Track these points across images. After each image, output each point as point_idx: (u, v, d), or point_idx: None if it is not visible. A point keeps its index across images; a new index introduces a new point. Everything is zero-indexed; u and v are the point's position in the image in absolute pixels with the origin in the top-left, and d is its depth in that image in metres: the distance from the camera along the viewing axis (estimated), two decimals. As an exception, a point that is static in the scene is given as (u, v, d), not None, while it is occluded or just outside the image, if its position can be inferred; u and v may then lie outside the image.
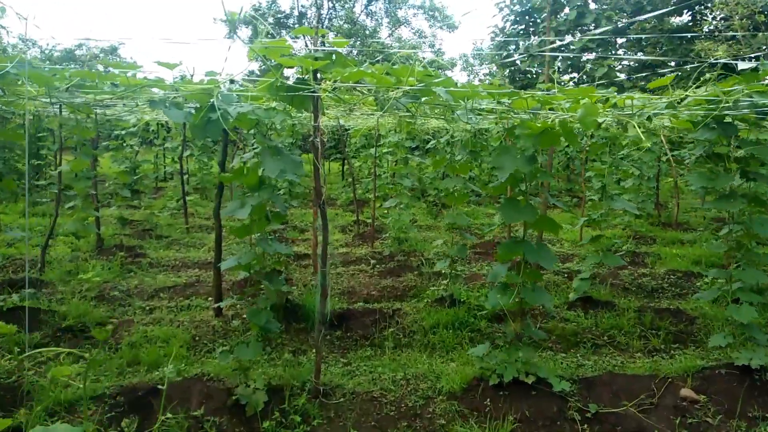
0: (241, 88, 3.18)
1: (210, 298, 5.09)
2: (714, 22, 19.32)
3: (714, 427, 3.11)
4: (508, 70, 23.41)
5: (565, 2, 21.36)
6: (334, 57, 2.69)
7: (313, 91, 2.83)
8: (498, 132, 7.26)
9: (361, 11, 35.04)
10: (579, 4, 20.85)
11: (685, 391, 3.41)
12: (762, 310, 4.63)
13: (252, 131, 4.72)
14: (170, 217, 9.53)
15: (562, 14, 21.70)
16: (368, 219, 8.77)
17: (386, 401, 3.38)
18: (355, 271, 6.39)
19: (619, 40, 21.66)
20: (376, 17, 36.11)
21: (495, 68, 27.28)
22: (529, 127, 3.07)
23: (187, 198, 9.32)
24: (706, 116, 3.09)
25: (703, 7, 19.76)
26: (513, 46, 23.15)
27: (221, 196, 4.65)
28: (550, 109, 3.06)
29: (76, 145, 5.74)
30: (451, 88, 2.72)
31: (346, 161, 13.47)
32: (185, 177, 10.26)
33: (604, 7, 21.24)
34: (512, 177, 3.18)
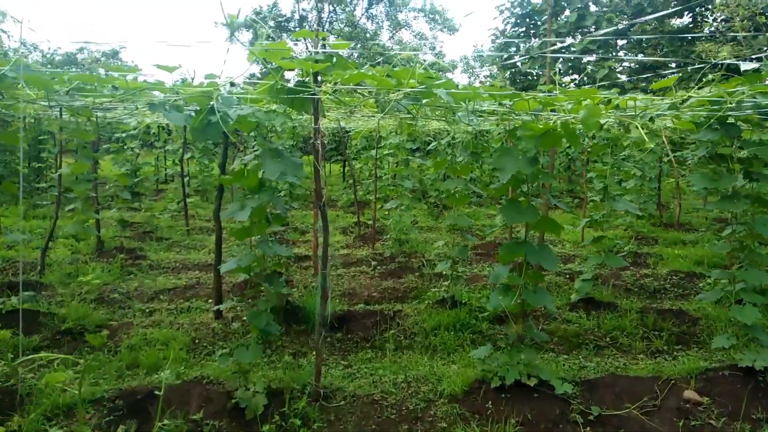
0: (242, 91, 3.18)
1: (210, 301, 5.08)
2: (715, 24, 19.33)
3: (718, 430, 3.08)
4: (508, 72, 23.40)
5: (565, 5, 21.37)
6: (334, 59, 2.68)
7: (314, 94, 2.82)
8: (499, 133, 7.24)
9: (362, 14, 35.13)
10: (580, 6, 20.85)
11: (689, 393, 3.39)
12: (765, 311, 4.59)
13: (252, 133, 4.72)
14: (171, 220, 9.52)
15: (563, 17, 21.70)
16: (369, 220, 8.75)
17: (387, 404, 3.36)
18: (355, 272, 6.37)
19: (620, 42, 21.66)
20: (377, 20, 36.22)
21: (496, 70, 27.30)
22: (531, 128, 3.05)
23: (188, 200, 9.31)
24: (709, 117, 3.08)
25: (703, 8, 19.76)
26: (514, 48, 23.14)
27: (221, 198, 4.64)
28: (551, 111, 3.05)
29: (77, 148, 5.74)
30: (452, 90, 2.71)
31: (346, 163, 13.47)
32: (186, 179, 10.25)
33: (605, 9, 21.24)
34: (514, 178, 3.17)
